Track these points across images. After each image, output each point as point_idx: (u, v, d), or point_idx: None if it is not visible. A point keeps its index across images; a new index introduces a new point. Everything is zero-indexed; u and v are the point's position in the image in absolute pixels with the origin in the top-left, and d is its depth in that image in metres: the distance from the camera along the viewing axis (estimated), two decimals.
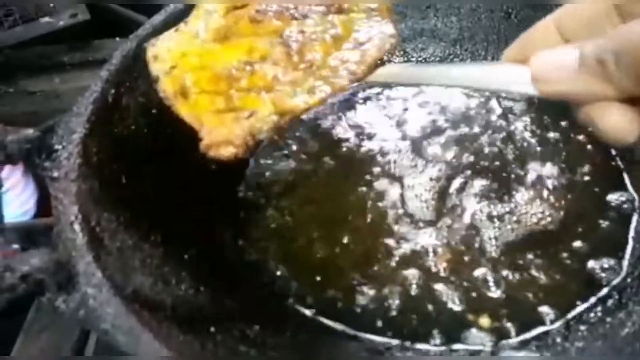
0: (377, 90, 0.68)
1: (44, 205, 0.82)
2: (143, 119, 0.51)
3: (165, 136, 0.53)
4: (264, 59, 0.42)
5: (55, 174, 0.42)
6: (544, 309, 0.47)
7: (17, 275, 0.35)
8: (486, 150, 0.59)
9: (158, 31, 0.56)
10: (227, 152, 0.37)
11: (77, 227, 0.39)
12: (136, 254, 0.42)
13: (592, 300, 0.48)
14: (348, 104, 0.66)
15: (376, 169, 0.58)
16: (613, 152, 0.58)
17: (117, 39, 0.86)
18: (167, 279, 0.43)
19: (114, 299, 0.35)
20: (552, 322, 0.47)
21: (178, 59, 0.45)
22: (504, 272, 0.49)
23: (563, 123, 0.61)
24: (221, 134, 0.38)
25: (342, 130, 0.63)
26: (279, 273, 0.52)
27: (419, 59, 0.73)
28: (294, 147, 0.62)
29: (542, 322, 0.47)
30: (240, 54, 0.43)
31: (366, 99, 0.67)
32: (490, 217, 0.53)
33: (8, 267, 0.36)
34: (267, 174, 0.60)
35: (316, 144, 0.62)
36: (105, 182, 0.44)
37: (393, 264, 0.51)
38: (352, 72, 0.39)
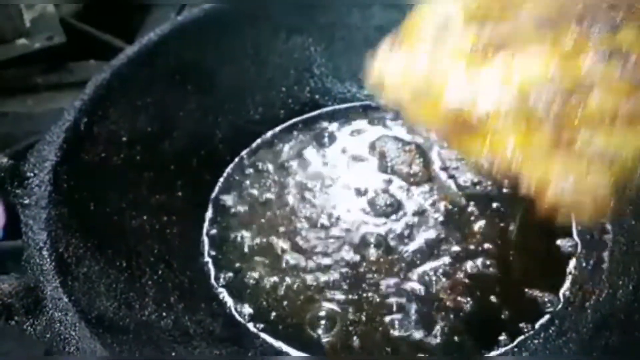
0: None
1: (11, 229, 0.82)
2: (113, 146, 0.53)
3: (134, 163, 0.55)
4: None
5: (27, 201, 0.44)
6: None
7: None
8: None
9: (132, 61, 0.59)
10: (585, 215, 0.26)
11: (45, 252, 0.41)
12: (102, 279, 0.44)
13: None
14: None
15: None
16: None
17: (93, 61, 0.87)
18: (131, 304, 0.44)
19: (79, 323, 0.37)
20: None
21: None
22: None
23: None
24: (580, 190, 0.25)
25: None
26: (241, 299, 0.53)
27: None
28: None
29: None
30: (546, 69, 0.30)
31: None
32: None
33: None
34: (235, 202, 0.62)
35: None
36: (75, 209, 0.46)
37: None
38: None
